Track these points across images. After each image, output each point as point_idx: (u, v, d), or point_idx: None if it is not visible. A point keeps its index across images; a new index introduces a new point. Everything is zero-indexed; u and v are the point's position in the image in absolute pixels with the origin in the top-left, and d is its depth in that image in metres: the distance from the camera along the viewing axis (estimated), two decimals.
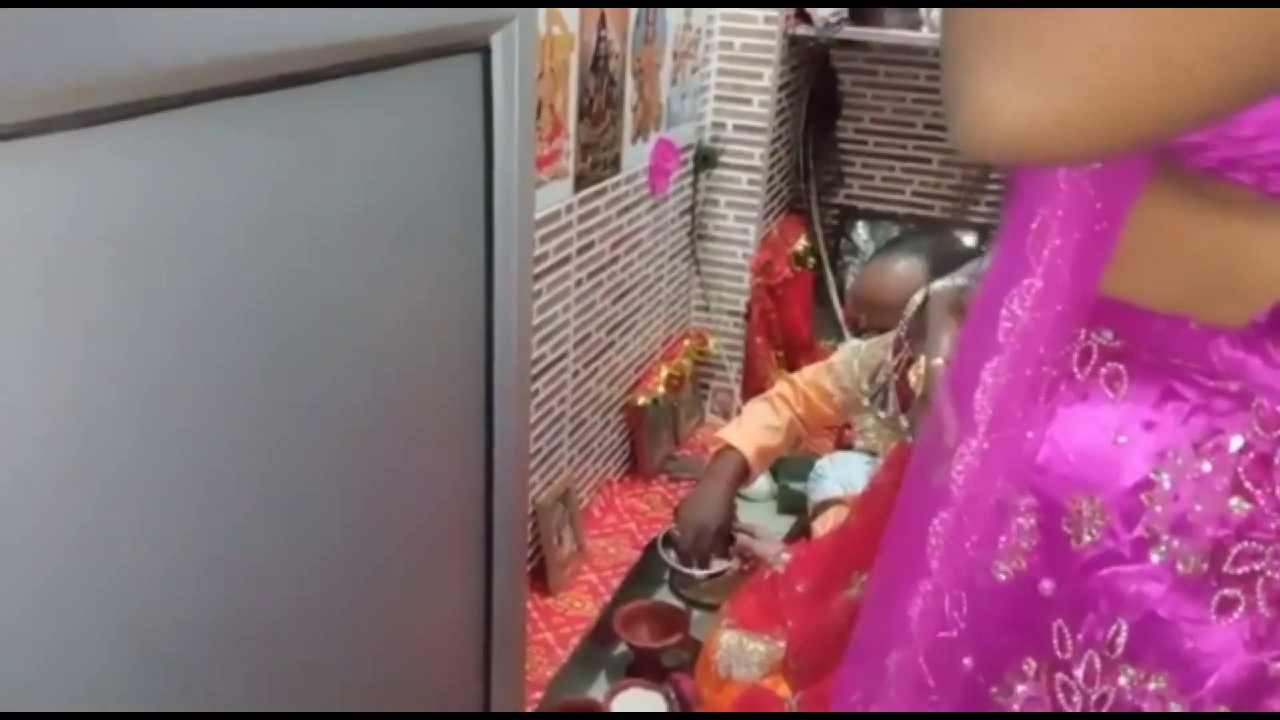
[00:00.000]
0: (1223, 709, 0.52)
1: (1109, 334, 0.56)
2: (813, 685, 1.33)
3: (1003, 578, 0.59)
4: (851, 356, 1.68)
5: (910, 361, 1.39)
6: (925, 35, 2.14)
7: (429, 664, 1.06)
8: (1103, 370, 0.56)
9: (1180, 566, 0.53)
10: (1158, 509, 0.53)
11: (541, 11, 1.34)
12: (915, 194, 2.58)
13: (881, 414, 1.66)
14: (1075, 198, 0.53)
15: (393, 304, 0.83)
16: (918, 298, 0.81)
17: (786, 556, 1.53)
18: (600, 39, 1.53)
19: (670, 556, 1.77)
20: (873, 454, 1.90)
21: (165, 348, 0.60)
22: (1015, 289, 0.57)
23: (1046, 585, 0.58)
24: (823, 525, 1.81)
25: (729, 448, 1.74)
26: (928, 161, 2.54)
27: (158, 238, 0.58)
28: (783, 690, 1.35)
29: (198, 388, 0.64)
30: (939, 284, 0.76)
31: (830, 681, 1.29)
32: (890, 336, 1.61)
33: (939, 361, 0.70)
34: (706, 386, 2.32)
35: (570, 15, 1.42)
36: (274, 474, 0.73)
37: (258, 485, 0.71)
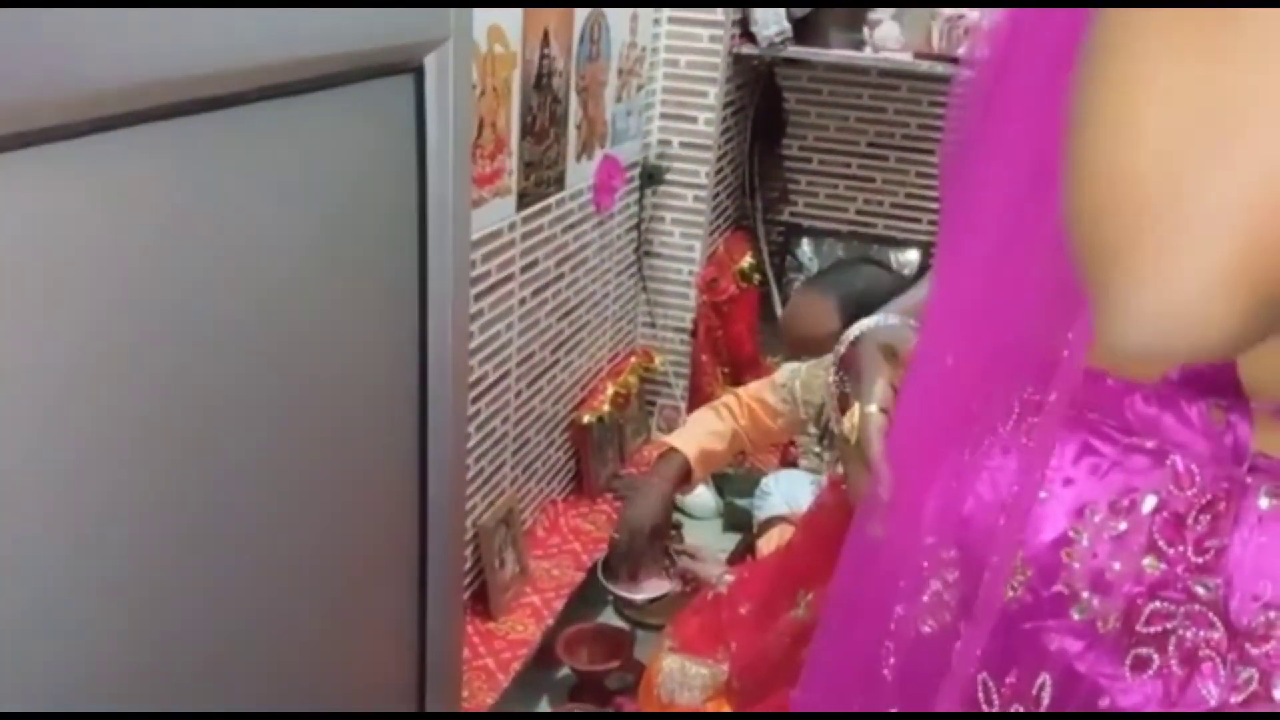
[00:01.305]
0: None
1: (1029, 388, 0.56)
2: (756, 706, 1.33)
3: (927, 630, 0.59)
4: (791, 378, 1.69)
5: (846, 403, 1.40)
6: (868, 55, 2.17)
7: (361, 692, 1.03)
8: (1024, 425, 0.56)
9: (1100, 625, 0.53)
10: (1076, 565, 0.53)
11: (481, 30, 1.32)
12: (859, 211, 2.61)
13: (822, 450, 1.67)
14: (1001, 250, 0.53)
15: (324, 325, 0.81)
16: (850, 335, 0.78)
17: (729, 578, 1.52)
18: (544, 57, 1.52)
19: (611, 583, 1.76)
20: (817, 472, 1.91)
21: (86, 370, 0.58)
22: (949, 342, 0.57)
23: (968, 640, 0.58)
24: (768, 544, 1.81)
25: (671, 449, 1.73)
26: (871, 180, 2.57)
27: (84, 260, 0.56)
28: (716, 706, 1.34)
29: (121, 408, 0.61)
30: (869, 322, 0.75)
31: (774, 701, 1.29)
32: (829, 359, 1.63)
33: (873, 409, 0.68)
34: (653, 404, 2.31)
35: (513, 33, 1.41)
36: (197, 497, 0.70)
37: (179, 510, 0.69)
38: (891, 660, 0.62)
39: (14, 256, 0.52)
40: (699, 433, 1.77)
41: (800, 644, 1.30)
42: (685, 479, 1.74)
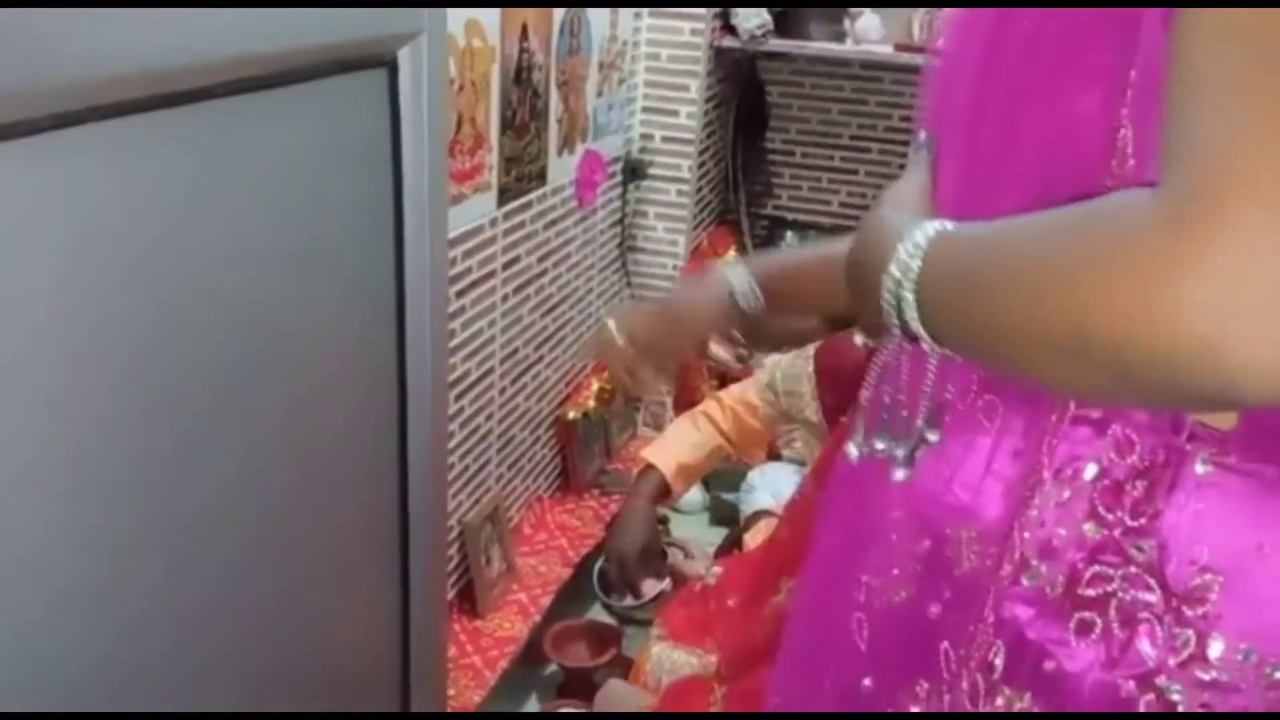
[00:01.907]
0: None
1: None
2: (738, 681, 1.33)
3: (898, 600, 0.60)
4: (773, 368, 1.69)
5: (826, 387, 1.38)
6: (849, 47, 2.17)
7: (345, 690, 1.02)
8: (980, 401, 0.57)
9: (1048, 590, 0.54)
10: (1026, 535, 0.54)
11: (459, 24, 1.32)
12: (842, 204, 2.61)
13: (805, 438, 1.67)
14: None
15: (300, 323, 0.80)
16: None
17: (717, 569, 1.52)
18: (523, 51, 1.51)
19: (606, 594, 1.77)
20: (802, 463, 1.91)
21: (52, 370, 0.57)
22: None
23: (934, 609, 0.59)
24: (754, 538, 1.81)
25: (649, 466, 1.76)
26: (854, 172, 2.57)
27: (46, 257, 0.55)
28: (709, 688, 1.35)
29: (94, 407, 0.60)
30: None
31: (755, 677, 1.29)
32: (810, 349, 1.63)
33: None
34: (639, 399, 2.31)
35: (491, 27, 1.40)
36: (175, 498, 0.70)
37: (156, 510, 0.68)
38: (865, 632, 0.62)
39: None
40: (676, 447, 1.79)
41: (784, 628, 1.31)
42: (665, 494, 1.77)
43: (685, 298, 0.84)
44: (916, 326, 0.47)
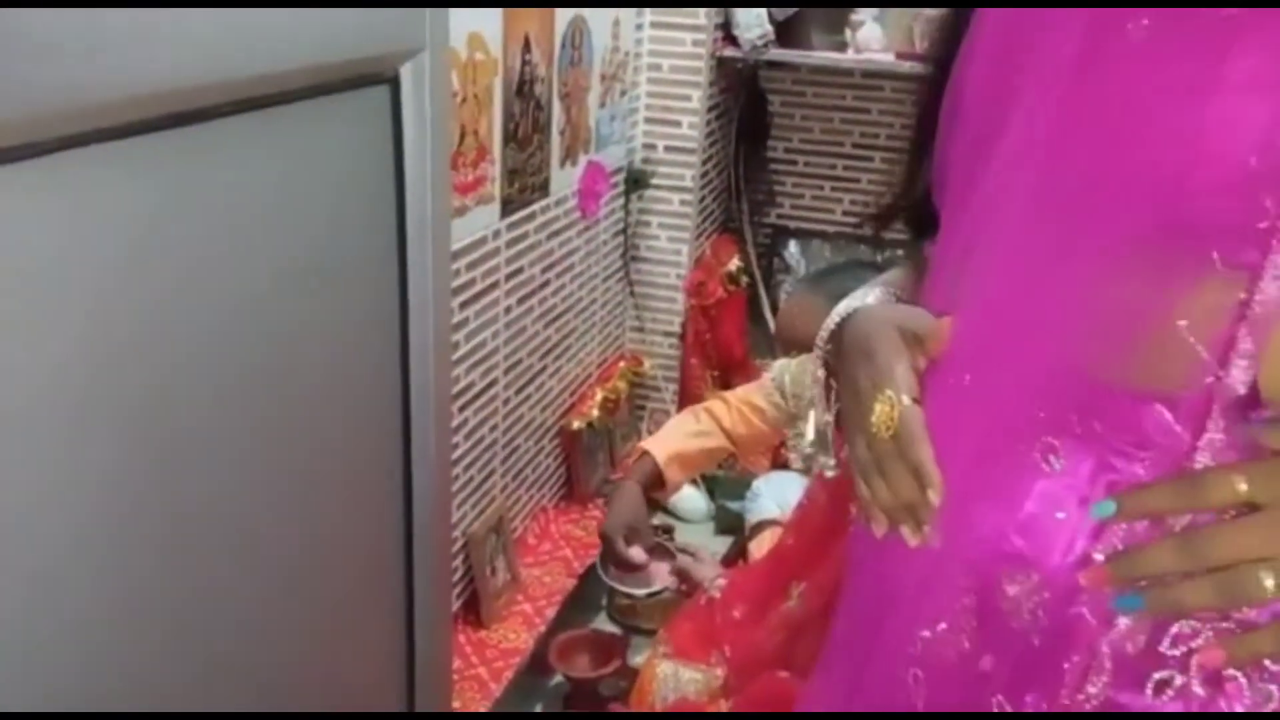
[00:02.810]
0: None
1: (1046, 408, 0.54)
2: (745, 689, 1.32)
3: (949, 657, 0.58)
4: (781, 372, 1.69)
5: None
6: (850, 56, 2.17)
7: (349, 703, 1.02)
8: (1037, 444, 0.54)
9: (1129, 647, 0.51)
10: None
11: (461, 37, 1.32)
12: (845, 213, 2.61)
13: (813, 444, 1.67)
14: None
15: (304, 336, 0.81)
16: (834, 319, 0.70)
17: (722, 582, 1.52)
18: (525, 63, 1.52)
19: (609, 574, 1.76)
20: (807, 471, 1.91)
21: (64, 383, 0.57)
22: (968, 359, 0.55)
23: (987, 662, 0.56)
24: (759, 548, 1.81)
25: (643, 454, 1.75)
26: (857, 181, 2.57)
27: (59, 278, 0.55)
28: (713, 708, 1.34)
29: (102, 423, 0.61)
30: (865, 297, 0.67)
31: (760, 684, 1.28)
32: (819, 353, 1.63)
33: (907, 400, 0.58)
34: (643, 409, 2.31)
35: (493, 40, 1.41)
36: (180, 510, 0.70)
37: (162, 523, 0.68)
38: (924, 689, 0.60)
39: None
40: (672, 436, 1.78)
41: (795, 636, 1.30)
42: (657, 480, 1.75)
43: (898, 317, 0.68)
44: None
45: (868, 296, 0.67)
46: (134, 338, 0.62)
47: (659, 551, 1.81)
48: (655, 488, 1.77)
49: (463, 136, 1.36)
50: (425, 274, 0.91)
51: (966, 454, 0.54)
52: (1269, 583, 0.43)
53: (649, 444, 1.78)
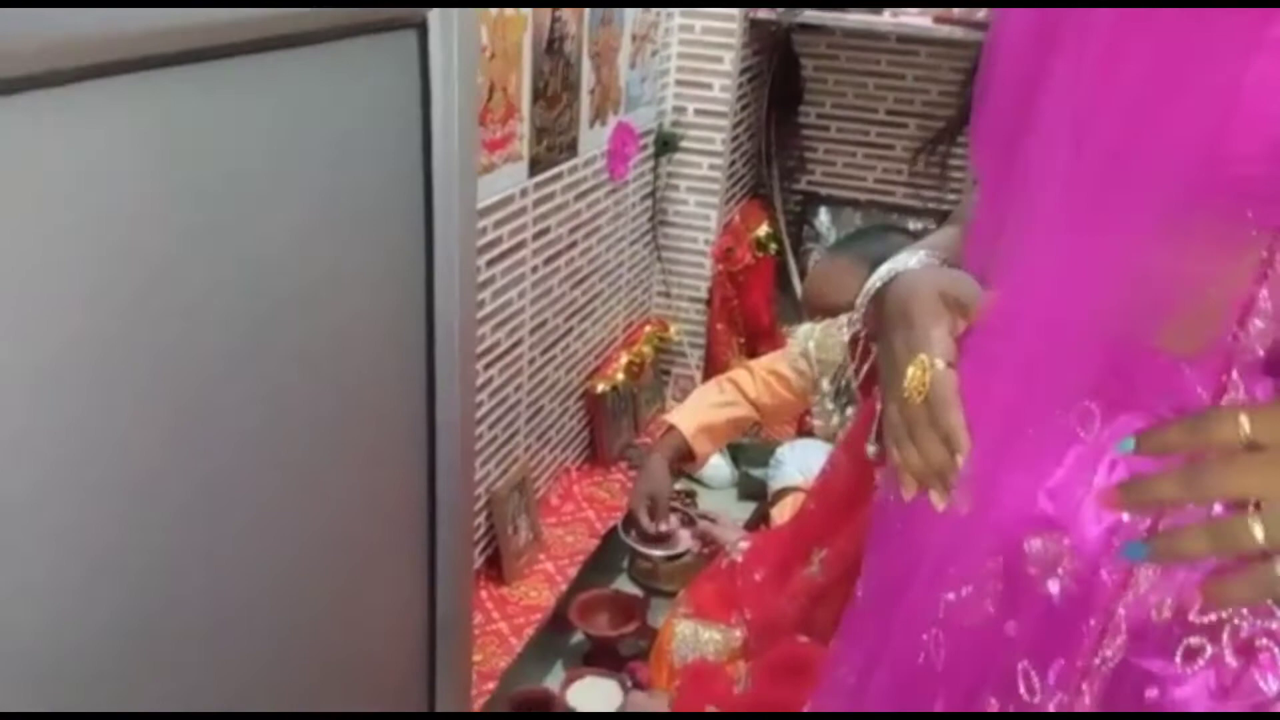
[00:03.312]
0: None
1: (1086, 374, 0.53)
2: (762, 654, 1.33)
3: (973, 621, 0.57)
4: (805, 338, 1.68)
5: (865, 357, 1.36)
6: (886, 20, 2.13)
7: (371, 656, 1.03)
8: (1074, 409, 0.54)
9: (1155, 615, 0.51)
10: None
11: None
12: (878, 180, 2.58)
13: (836, 410, 1.66)
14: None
15: (329, 288, 0.81)
16: (875, 282, 0.68)
17: (744, 545, 1.52)
18: (555, 20, 1.50)
19: (631, 537, 1.78)
20: (830, 439, 1.90)
21: (96, 332, 0.58)
22: (1005, 325, 0.54)
23: (1010, 627, 0.56)
24: (781, 513, 1.81)
25: (670, 428, 1.77)
26: (890, 147, 2.54)
27: (76, 214, 0.55)
28: (732, 669, 1.35)
29: (126, 373, 0.61)
30: (910, 261, 0.66)
31: (780, 650, 1.29)
32: (844, 318, 1.62)
33: (941, 364, 0.57)
34: (668, 373, 2.31)
35: None
36: (204, 465, 0.70)
37: (185, 481, 0.69)
38: (943, 651, 0.60)
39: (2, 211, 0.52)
40: (697, 408, 1.80)
41: (815, 602, 1.30)
42: (685, 453, 1.78)
43: (939, 282, 0.66)
44: None
45: (911, 260, 0.66)
46: (154, 280, 0.62)
47: (680, 517, 1.82)
48: (684, 460, 1.79)
49: (491, 93, 1.35)
50: (451, 224, 0.91)
51: (1001, 419, 0.54)
52: (1259, 533, 0.42)
53: (674, 417, 1.79)
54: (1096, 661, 0.53)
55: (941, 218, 2.51)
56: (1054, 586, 0.54)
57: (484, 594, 1.60)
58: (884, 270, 0.67)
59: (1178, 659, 0.50)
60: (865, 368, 1.56)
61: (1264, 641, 0.49)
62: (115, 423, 0.62)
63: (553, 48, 1.51)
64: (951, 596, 0.59)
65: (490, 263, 1.47)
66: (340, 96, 0.76)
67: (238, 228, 0.68)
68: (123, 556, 0.65)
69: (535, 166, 1.53)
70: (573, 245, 1.75)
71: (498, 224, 1.46)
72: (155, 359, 0.63)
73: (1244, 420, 0.42)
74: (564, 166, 1.64)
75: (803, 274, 2.56)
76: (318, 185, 0.76)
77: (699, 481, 2.15)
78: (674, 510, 1.82)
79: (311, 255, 0.77)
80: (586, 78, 1.65)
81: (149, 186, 0.60)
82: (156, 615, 0.69)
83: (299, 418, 0.80)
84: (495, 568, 1.63)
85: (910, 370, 0.58)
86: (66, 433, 0.59)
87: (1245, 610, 0.49)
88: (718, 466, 2.16)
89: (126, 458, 0.63)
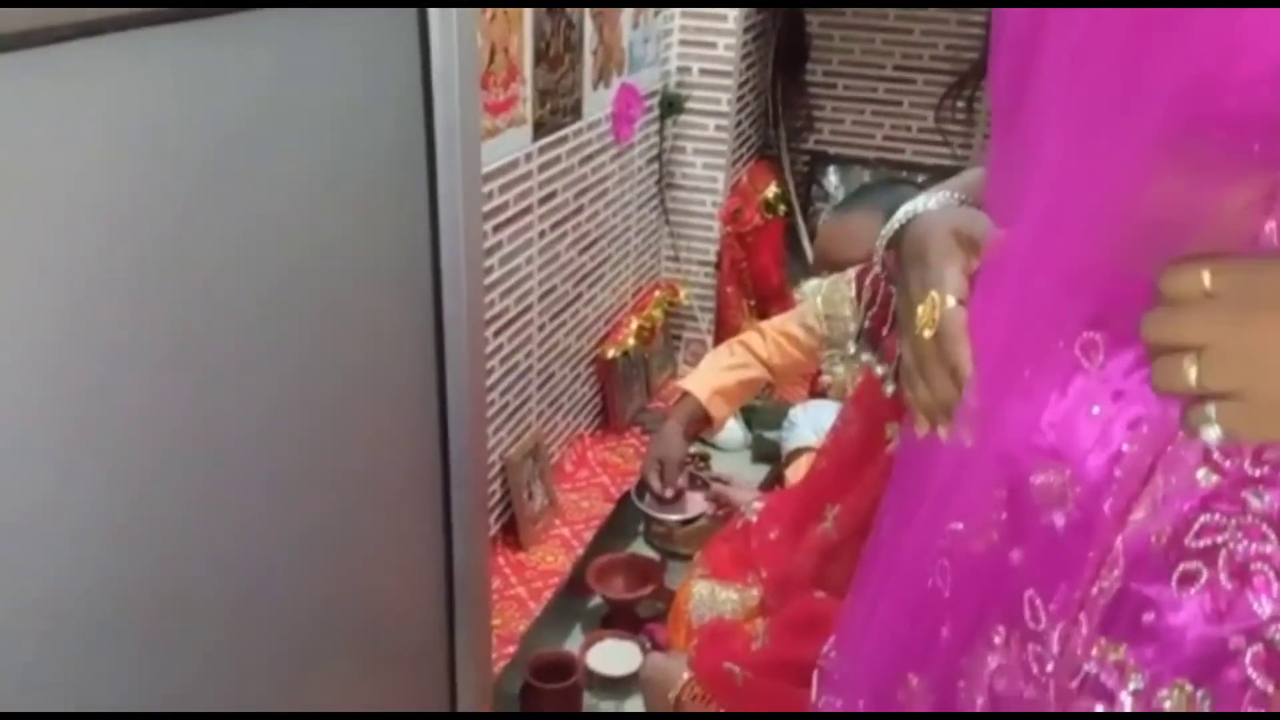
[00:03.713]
0: (1181, 681, 0.51)
1: (1087, 303, 0.53)
2: (778, 610, 1.34)
3: (978, 548, 0.58)
4: (813, 293, 1.67)
5: (879, 297, 1.35)
6: None
7: (392, 621, 1.04)
8: (1079, 339, 0.54)
9: (1153, 540, 0.51)
10: (1127, 481, 0.52)
11: None
12: (886, 138, 2.55)
13: (864, 356, 1.66)
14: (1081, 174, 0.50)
15: (333, 257, 0.80)
16: (894, 224, 0.69)
17: (758, 505, 1.52)
18: None
19: (645, 503, 1.78)
20: (839, 398, 1.90)
21: (104, 304, 0.58)
22: (1011, 257, 0.54)
23: (1016, 555, 0.56)
24: (795, 473, 1.81)
25: (684, 394, 1.77)
26: (898, 104, 2.51)
27: (76, 170, 0.55)
28: (750, 627, 1.35)
29: (138, 345, 0.61)
30: (928, 202, 0.68)
31: (797, 605, 1.29)
32: (851, 272, 1.60)
33: (952, 302, 0.58)
34: (678, 338, 2.30)
35: None
36: (218, 438, 0.71)
37: (204, 449, 0.69)
38: (949, 578, 0.60)
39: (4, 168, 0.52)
40: (709, 372, 1.79)
41: (829, 559, 1.30)
42: (701, 418, 1.77)
43: (953, 221, 0.66)
44: None
45: (930, 201, 0.67)
46: (158, 250, 0.62)
47: (693, 481, 1.82)
48: (701, 426, 1.79)
49: (492, 55, 1.34)
50: (455, 189, 0.90)
51: (1005, 349, 0.54)
52: (1191, 373, 0.43)
53: (688, 383, 1.79)
54: (1094, 591, 0.53)
55: (950, 174, 2.48)
56: (1057, 516, 0.54)
57: (501, 560, 1.61)
58: (902, 212, 0.68)
59: (1173, 584, 0.51)
60: (871, 316, 1.55)
61: (1258, 565, 0.49)
62: (130, 396, 0.62)
63: (553, 8, 1.49)
64: (958, 526, 0.60)
65: (496, 228, 1.46)
66: (338, 59, 0.75)
67: (236, 196, 0.67)
68: (145, 523, 0.65)
69: (539, 130, 1.52)
70: (579, 210, 1.74)
71: (503, 189, 1.45)
72: (164, 332, 0.63)
73: (1205, 273, 0.43)
74: (568, 130, 1.62)
75: (812, 234, 2.54)
76: (316, 151, 0.75)
77: (712, 445, 2.15)
78: (689, 475, 1.82)
79: (313, 225, 0.77)
80: (589, 38, 1.63)
81: (148, 151, 0.59)
82: (179, 583, 0.70)
83: (310, 389, 0.80)
84: (512, 534, 1.64)
85: (920, 309, 0.60)
86: (81, 408, 0.59)
87: (1240, 534, 0.49)
88: (731, 429, 2.16)
89: (144, 428, 0.64)
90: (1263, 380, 0.42)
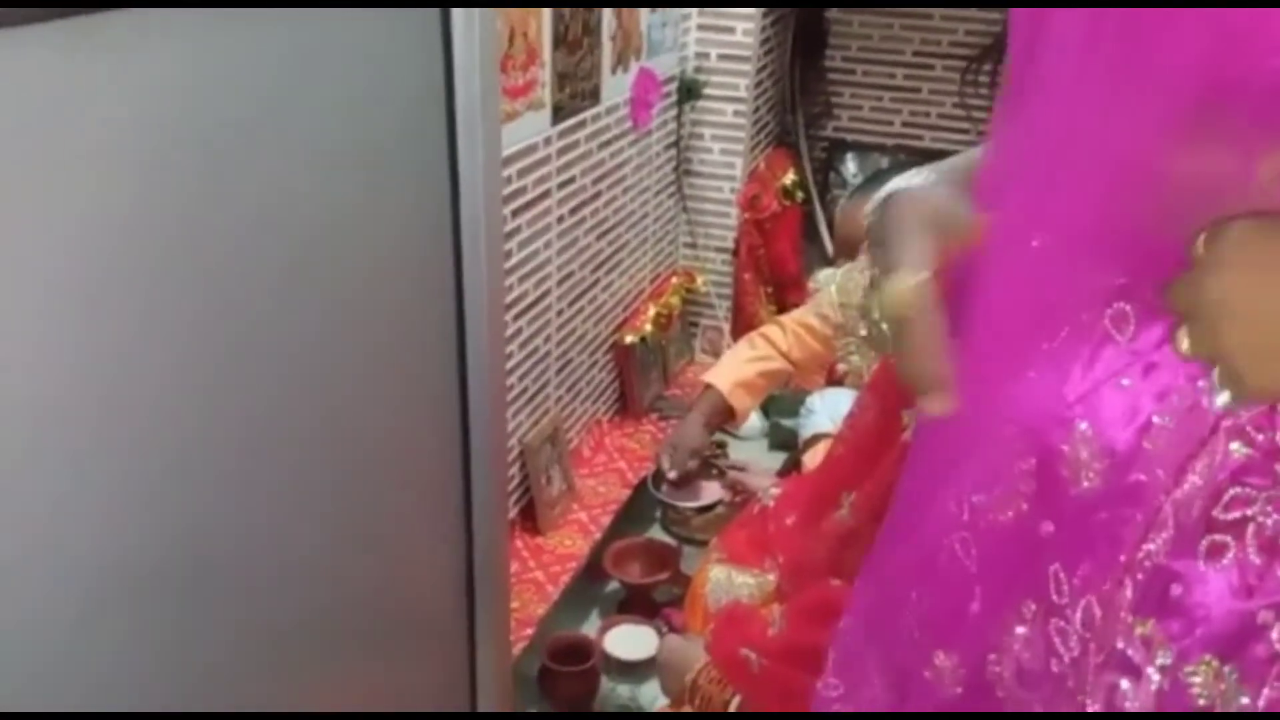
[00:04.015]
0: (1209, 656, 0.50)
1: (1116, 273, 0.53)
2: (795, 597, 1.33)
3: (1005, 519, 0.58)
4: (828, 282, 1.67)
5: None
6: None
7: (413, 604, 1.05)
8: (1109, 310, 0.53)
9: (1181, 513, 0.51)
10: (1158, 453, 0.51)
11: None
12: (905, 124, 2.53)
13: (862, 351, 1.65)
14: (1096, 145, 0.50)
15: (354, 242, 0.81)
16: (872, 206, 0.67)
17: (776, 490, 1.52)
18: None
19: (661, 492, 1.78)
20: (856, 386, 1.89)
21: (131, 280, 0.58)
22: (1035, 223, 0.53)
23: (1046, 528, 0.56)
24: (813, 459, 1.81)
25: (707, 387, 1.78)
26: (917, 90, 2.49)
27: (99, 152, 0.55)
28: (766, 612, 1.35)
29: (165, 323, 0.62)
30: (905, 183, 0.68)
31: (813, 592, 1.29)
32: (864, 259, 1.60)
33: (918, 277, 0.56)
34: (695, 324, 2.30)
35: None
36: (241, 424, 0.71)
37: (227, 435, 0.70)
38: (973, 550, 0.60)
39: (28, 142, 0.52)
40: (732, 365, 1.80)
41: (845, 545, 1.30)
42: (723, 410, 1.78)
43: (928, 203, 0.65)
44: None
45: (915, 178, 0.65)
46: (181, 235, 0.62)
47: (708, 468, 1.82)
48: (724, 418, 1.80)
49: (511, 38, 1.34)
50: (476, 171, 0.90)
51: (1032, 319, 0.53)
52: (1184, 344, 0.46)
53: (711, 376, 1.80)
54: (1140, 556, 0.53)
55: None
56: (1085, 489, 0.54)
57: (519, 544, 1.61)
58: (883, 191, 0.67)
59: (1201, 557, 0.50)
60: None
61: None
62: (154, 387, 0.62)
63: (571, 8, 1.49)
64: (980, 498, 0.60)
65: (515, 213, 1.46)
66: (360, 45, 0.75)
67: (259, 181, 0.68)
68: (167, 511, 0.66)
69: (558, 114, 1.52)
70: (597, 195, 1.74)
71: (522, 173, 1.45)
72: (188, 319, 0.64)
73: (1200, 239, 0.45)
74: (587, 114, 1.62)
75: (830, 222, 2.53)
76: (338, 137, 0.75)
77: (730, 432, 2.15)
78: (705, 462, 1.83)
79: (335, 211, 0.77)
80: (607, 22, 1.63)
81: (172, 140, 0.60)
82: (201, 569, 0.70)
83: (332, 374, 0.81)
84: (530, 518, 1.64)
85: (884, 288, 0.59)
86: (106, 398, 0.59)
87: (1270, 508, 0.49)
88: (747, 414, 2.16)
89: (168, 418, 0.64)
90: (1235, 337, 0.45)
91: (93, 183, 0.55)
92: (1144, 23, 0.47)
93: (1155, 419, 0.52)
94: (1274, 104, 0.45)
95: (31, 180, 0.52)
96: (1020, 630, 0.58)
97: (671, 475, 1.76)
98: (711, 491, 1.81)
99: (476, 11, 0.84)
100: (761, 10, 2.07)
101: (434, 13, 0.83)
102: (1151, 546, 0.52)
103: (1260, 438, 0.49)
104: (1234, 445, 0.49)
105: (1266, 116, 0.45)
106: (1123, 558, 0.53)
